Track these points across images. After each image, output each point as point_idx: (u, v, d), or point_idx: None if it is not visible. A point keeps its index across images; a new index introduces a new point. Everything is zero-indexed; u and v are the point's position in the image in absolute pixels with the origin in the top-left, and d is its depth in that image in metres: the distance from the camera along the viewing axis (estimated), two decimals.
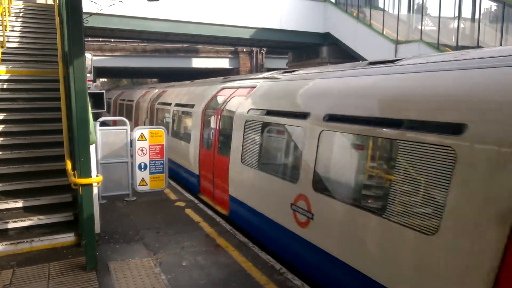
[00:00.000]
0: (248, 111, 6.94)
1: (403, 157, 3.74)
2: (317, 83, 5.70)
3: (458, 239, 3.09)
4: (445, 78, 3.75)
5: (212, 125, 8.59)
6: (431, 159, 3.42)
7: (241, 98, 7.57)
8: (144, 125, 14.39)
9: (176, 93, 12.25)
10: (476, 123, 3.13)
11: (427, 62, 4.25)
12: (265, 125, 6.37)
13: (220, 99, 8.75)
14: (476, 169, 3.05)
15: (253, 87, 7.47)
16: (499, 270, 2.78)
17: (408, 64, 4.50)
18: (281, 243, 5.58)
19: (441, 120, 3.42)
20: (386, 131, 3.92)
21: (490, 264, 2.83)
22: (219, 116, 8.34)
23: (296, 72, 6.88)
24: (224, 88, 8.95)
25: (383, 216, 3.80)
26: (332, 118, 4.76)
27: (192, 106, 9.98)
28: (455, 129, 3.25)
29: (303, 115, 5.26)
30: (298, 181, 5.13)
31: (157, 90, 14.87)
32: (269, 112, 6.30)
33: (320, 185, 4.82)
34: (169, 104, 11.98)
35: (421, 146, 3.50)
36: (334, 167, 4.89)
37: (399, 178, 3.76)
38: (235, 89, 8.23)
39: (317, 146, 4.87)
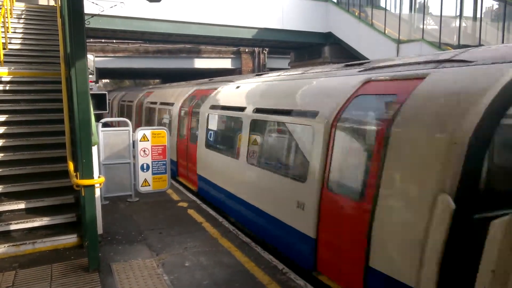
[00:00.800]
0: (146, 102, 14.90)
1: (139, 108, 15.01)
2: (160, 90, 15.33)
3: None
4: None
5: (137, 109, 16.21)
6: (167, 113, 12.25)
7: (148, 96, 15.42)
8: (116, 116, 20.77)
9: (130, 95, 19.60)
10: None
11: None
12: (151, 108, 14.15)
13: (143, 97, 15.97)
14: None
15: (152, 91, 15.88)
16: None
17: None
18: None
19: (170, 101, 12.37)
20: (161, 106, 13.02)
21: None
22: (140, 105, 15.83)
23: (172, 84, 16.67)
24: (147, 92, 16.46)
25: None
26: (151, 103, 14.05)
27: (132, 101, 17.50)
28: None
29: (131, 102, 17.22)
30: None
31: (123, 93, 22.14)
32: (151, 103, 14.29)
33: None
34: (124, 101, 19.59)
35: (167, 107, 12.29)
36: (158, 118, 13.15)
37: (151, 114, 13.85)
38: (149, 92, 16.08)
39: (157, 112, 13.31)
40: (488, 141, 3.21)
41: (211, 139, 8.62)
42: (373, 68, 5.07)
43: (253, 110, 6.74)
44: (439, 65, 4.07)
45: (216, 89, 9.27)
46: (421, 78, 3.99)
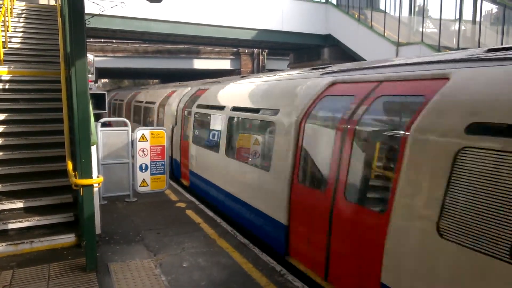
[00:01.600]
0: (112, 100, 23.34)
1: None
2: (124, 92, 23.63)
3: None
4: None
5: (112, 106, 23.16)
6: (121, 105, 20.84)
7: (113, 96, 24.04)
8: None
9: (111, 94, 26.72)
10: None
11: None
12: (118, 104, 21.32)
13: (114, 96, 23.86)
14: None
15: (117, 93, 24.45)
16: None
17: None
18: None
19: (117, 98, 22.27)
20: (117, 101, 22.43)
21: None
22: (112, 102, 23.28)
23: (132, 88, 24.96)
24: (116, 93, 24.51)
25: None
26: (114, 100, 23.31)
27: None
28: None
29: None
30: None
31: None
32: (115, 99, 22.83)
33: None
34: None
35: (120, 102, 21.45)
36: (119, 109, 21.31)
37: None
38: (114, 94, 23.82)
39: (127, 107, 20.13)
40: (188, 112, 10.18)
41: (135, 116, 16.18)
42: (204, 83, 11.47)
43: (144, 102, 14.84)
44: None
45: (139, 92, 17.32)
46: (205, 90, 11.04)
